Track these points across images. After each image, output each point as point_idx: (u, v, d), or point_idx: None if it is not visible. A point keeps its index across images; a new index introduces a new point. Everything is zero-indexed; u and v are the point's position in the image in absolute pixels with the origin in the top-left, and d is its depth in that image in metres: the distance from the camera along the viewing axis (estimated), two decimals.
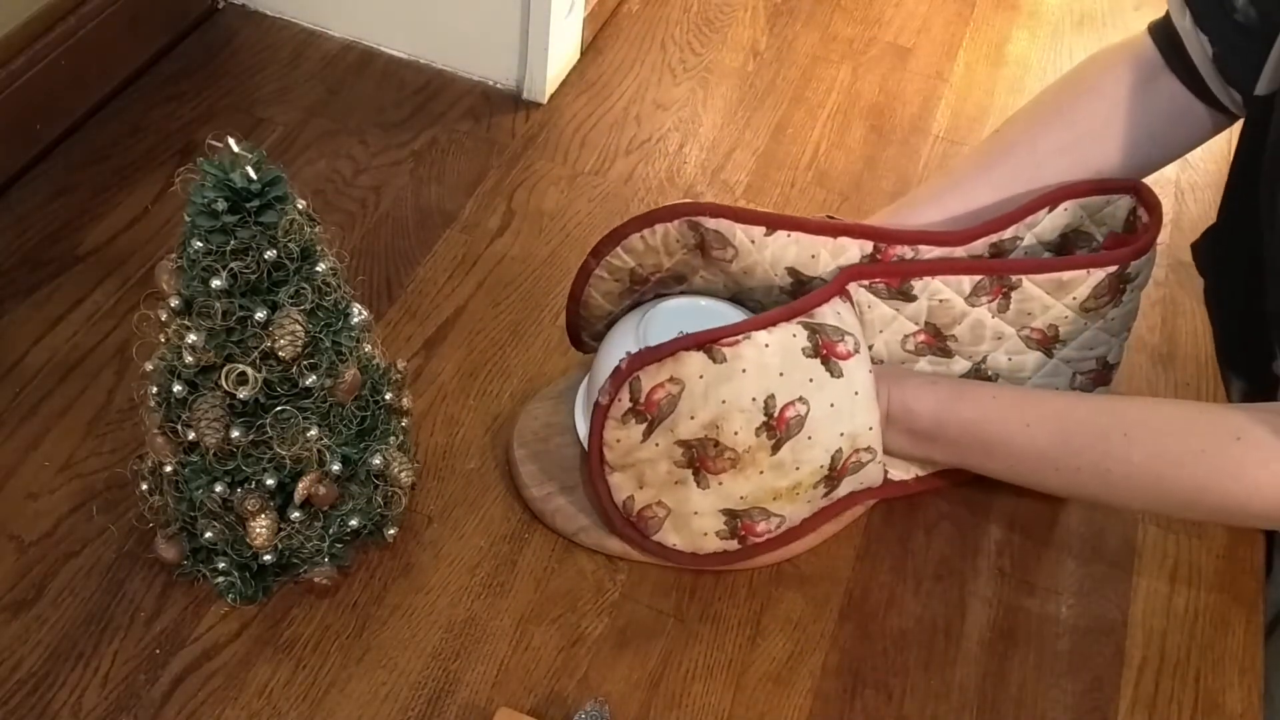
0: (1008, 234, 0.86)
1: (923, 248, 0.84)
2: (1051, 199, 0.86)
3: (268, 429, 0.70)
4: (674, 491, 0.77)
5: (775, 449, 0.75)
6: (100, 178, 1.02)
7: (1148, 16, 0.89)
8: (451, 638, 0.77)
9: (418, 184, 1.06)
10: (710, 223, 0.79)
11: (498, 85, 1.16)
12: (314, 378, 0.69)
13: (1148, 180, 0.87)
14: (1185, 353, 1.01)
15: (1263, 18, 0.78)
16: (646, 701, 0.75)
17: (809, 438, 0.76)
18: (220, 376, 0.68)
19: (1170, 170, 1.16)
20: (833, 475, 0.78)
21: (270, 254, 0.65)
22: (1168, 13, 0.85)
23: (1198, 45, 0.82)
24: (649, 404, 0.74)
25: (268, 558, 0.74)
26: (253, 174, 0.64)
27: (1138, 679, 0.80)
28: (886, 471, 0.83)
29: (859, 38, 1.30)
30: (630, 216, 0.79)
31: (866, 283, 0.81)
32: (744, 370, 0.74)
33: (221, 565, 0.75)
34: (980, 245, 0.85)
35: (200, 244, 0.65)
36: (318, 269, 0.68)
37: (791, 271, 0.82)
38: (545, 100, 1.16)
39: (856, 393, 0.77)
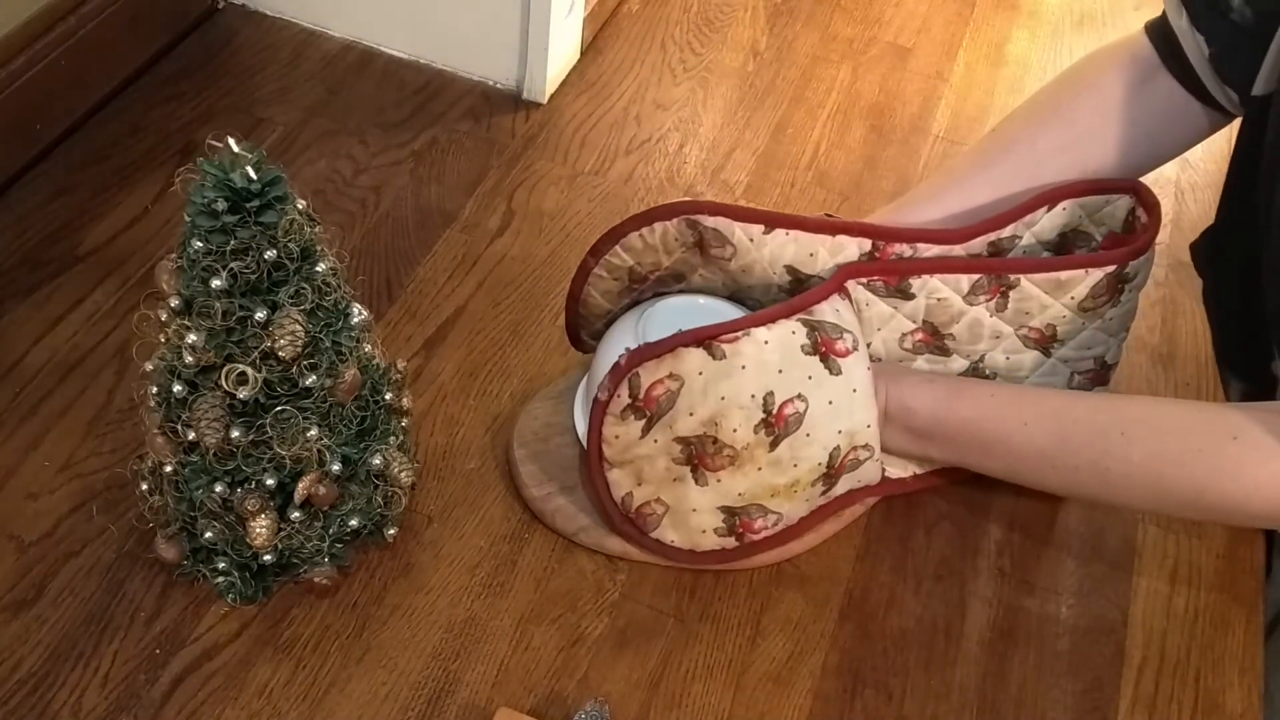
0: (1006, 233, 0.86)
1: (921, 246, 0.84)
2: (1050, 198, 0.86)
3: (268, 429, 0.70)
4: (672, 489, 0.77)
5: (773, 446, 0.75)
6: (100, 178, 1.02)
7: (1147, 16, 0.89)
8: (451, 638, 0.77)
9: (418, 184, 1.06)
10: (709, 221, 0.79)
11: (498, 85, 1.16)
12: (314, 378, 0.69)
13: (1147, 180, 0.87)
14: (1185, 353, 1.01)
15: (1259, 18, 0.78)
16: (646, 701, 0.75)
17: (807, 435, 0.76)
18: (220, 376, 0.68)
19: (1170, 170, 1.16)
20: (830, 473, 0.78)
21: (270, 254, 0.65)
22: (1164, 12, 0.85)
23: (1194, 45, 0.82)
24: (648, 400, 0.74)
25: (268, 558, 0.74)
26: (253, 174, 0.64)
27: (1138, 679, 0.80)
28: (884, 470, 0.83)
29: (859, 38, 1.30)
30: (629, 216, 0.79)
31: (865, 280, 0.81)
32: (743, 367, 0.74)
33: (221, 565, 0.75)
34: (979, 244, 0.85)
35: (200, 244, 0.65)
36: (318, 269, 0.68)
37: (790, 269, 0.82)
38: (545, 100, 1.16)
39: (855, 390, 0.77)
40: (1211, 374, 0.98)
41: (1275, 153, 0.76)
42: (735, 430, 0.74)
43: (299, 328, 0.67)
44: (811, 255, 0.82)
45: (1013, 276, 0.82)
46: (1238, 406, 0.74)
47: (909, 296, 0.82)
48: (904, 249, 0.83)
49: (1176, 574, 0.86)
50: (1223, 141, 0.91)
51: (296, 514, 0.73)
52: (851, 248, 0.82)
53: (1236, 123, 0.86)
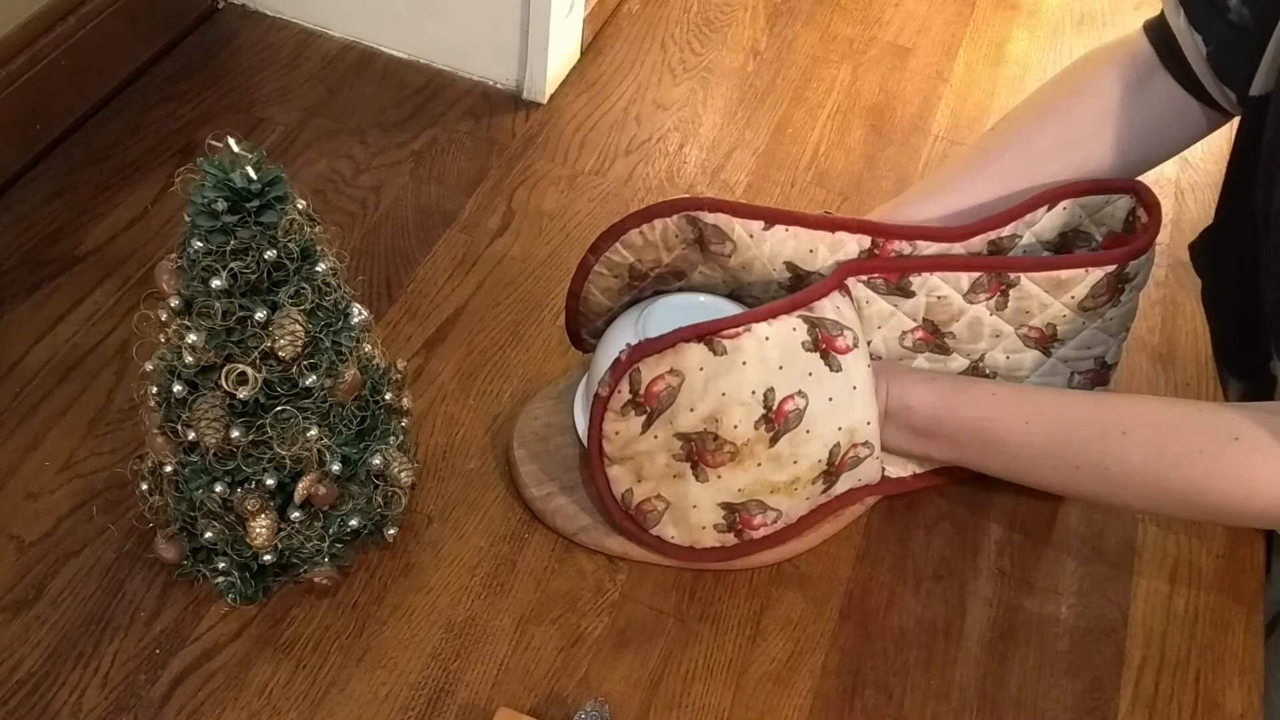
0: (1006, 231, 0.86)
1: (920, 243, 0.84)
2: (1050, 197, 0.86)
3: (268, 429, 0.70)
4: (672, 485, 0.77)
5: (773, 442, 0.75)
6: (100, 178, 1.02)
7: (1147, 16, 0.89)
8: (451, 638, 0.77)
9: (418, 184, 1.06)
10: (709, 217, 0.79)
11: (498, 85, 1.16)
12: (314, 378, 0.69)
13: (1146, 179, 0.87)
14: (1185, 353, 1.01)
15: (1256, 18, 0.78)
16: (646, 701, 0.75)
17: (807, 431, 0.76)
18: (220, 376, 0.68)
19: (1170, 170, 1.16)
20: (831, 470, 0.78)
21: (270, 254, 0.65)
22: (1163, 12, 0.85)
23: (1192, 45, 0.82)
24: (648, 396, 0.74)
25: (268, 558, 0.74)
26: (253, 174, 0.64)
27: (1138, 679, 0.80)
28: (884, 469, 0.83)
29: (859, 38, 1.30)
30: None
31: (865, 278, 0.81)
32: (744, 363, 0.74)
33: (221, 565, 0.75)
34: (978, 242, 0.85)
35: (200, 244, 0.65)
36: (318, 269, 0.68)
37: (790, 266, 0.82)
38: (545, 100, 1.16)
39: (855, 387, 0.77)
40: (1211, 374, 0.98)
41: (1273, 152, 0.76)
42: (736, 426, 0.74)
43: (299, 328, 0.67)
44: (811, 252, 0.82)
45: (1013, 275, 0.82)
46: (1238, 407, 0.74)
47: (909, 294, 0.82)
48: (903, 246, 0.83)
49: (1176, 574, 0.86)
50: (1222, 141, 0.91)
51: (296, 514, 0.73)
52: (851, 244, 0.82)
53: (1235, 122, 0.86)
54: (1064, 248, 0.88)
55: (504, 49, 1.14)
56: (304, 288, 0.67)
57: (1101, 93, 0.87)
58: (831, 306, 0.78)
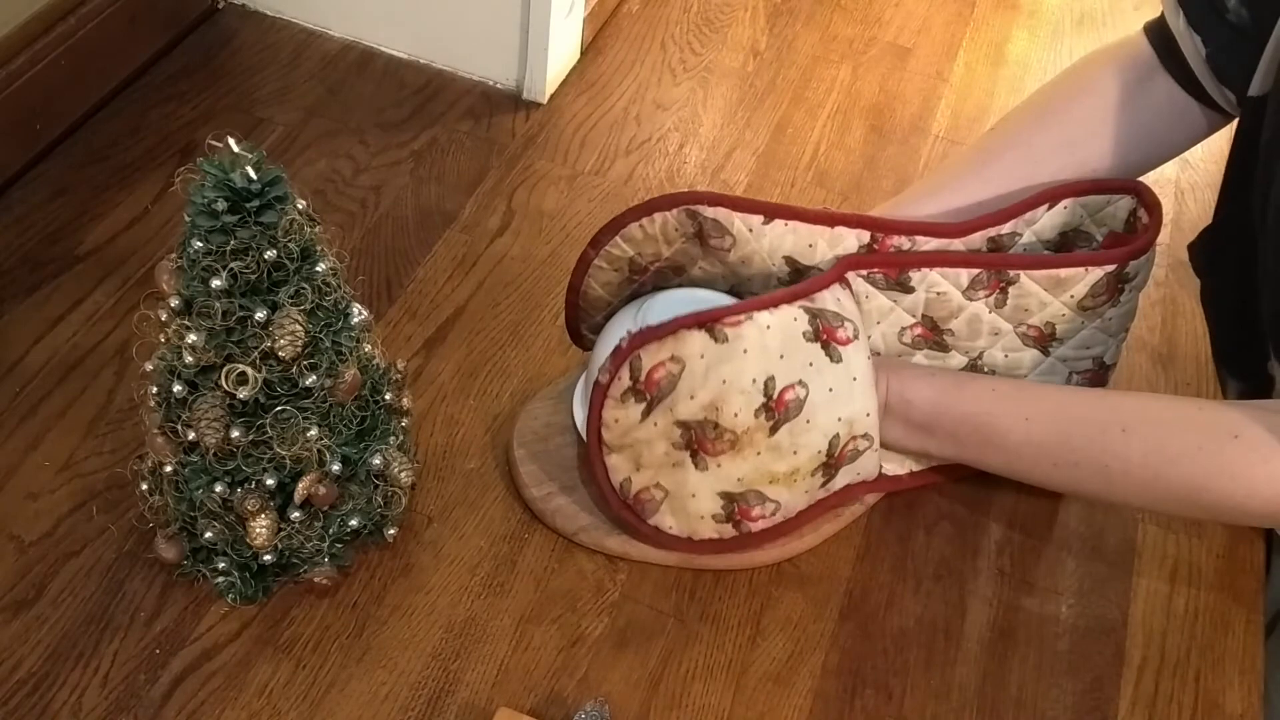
0: (1006, 229, 0.86)
1: (920, 238, 0.84)
2: (1051, 196, 0.86)
3: (268, 429, 0.70)
4: (671, 473, 0.77)
5: (773, 431, 0.75)
6: (100, 178, 1.02)
7: (1147, 16, 0.89)
8: (451, 638, 0.77)
9: (418, 184, 1.06)
10: (708, 211, 0.79)
11: (498, 85, 1.16)
12: (314, 378, 0.69)
13: (1146, 179, 0.87)
14: (1185, 353, 1.01)
15: (1255, 19, 0.78)
16: (646, 701, 0.75)
17: (807, 421, 0.76)
18: (220, 376, 0.68)
19: (1170, 170, 1.16)
20: (830, 463, 0.78)
21: (270, 254, 0.65)
22: (1163, 13, 0.85)
23: (1191, 45, 0.82)
24: (649, 383, 0.74)
25: (268, 558, 0.74)
26: (253, 174, 0.64)
27: (1138, 679, 0.80)
28: (881, 466, 0.83)
29: (859, 38, 1.30)
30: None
31: (865, 273, 0.81)
32: (745, 351, 0.74)
33: (221, 565, 0.75)
34: (978, 239, 0.85)
35: (200, 244, 0.65)
36: (318, 269, 0.68)
37: (789, 260, 0.82)
38: (545, 100, 1.16)
39: (855, 379, 0.77)
40: (1211, 374, 0.98)
41: (1271, 153, 0.76)
42: (736, 414, 0.74)
43: (299, 328, 0.67)
44: (810, 246, 0.82)
45: (1012, 272, 0.82)
46: (1238, 405, 0.74)
47: (909, 290, 0.82)
48: (902, 241, 0.83)
49: (1176, 574, 0.86)
50: (1223, 141, 0.91)
51: (296, 514, 0.73)
52: (850, 239, 0.82)
53: (1235, 123, 0.86)
54: (1064, 247, 0.88)
55: (504, 49, 1.14)
56: (304, 288, 0.67)
57: (1102, 93, 0.87)
58: (832, 298, 0.78)
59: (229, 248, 0.64)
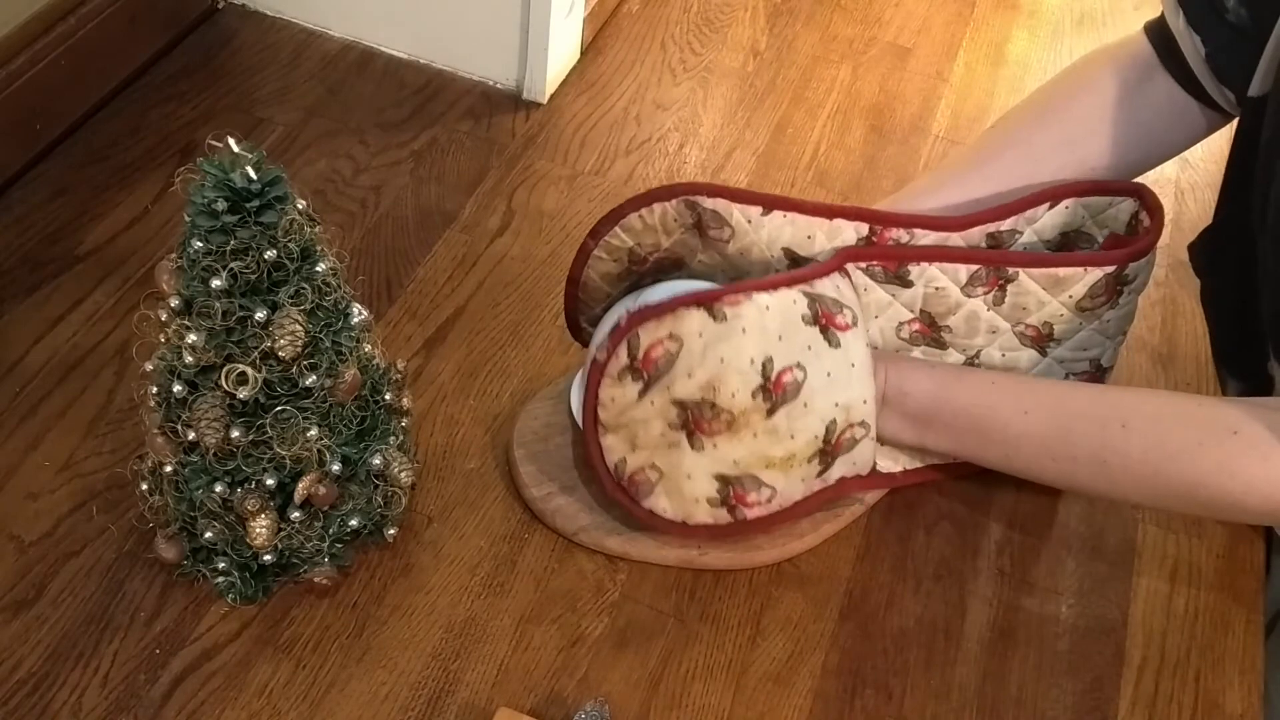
0: (1006, 225, 0.86)
1: (918, 231, 0.84)
2: (1052, 195, 0.86)
3: (268, 429, 0.70)
4: (667, 454, 0.76)
5: (770, 413, 0.75)
6: (100, 178, 1.02)
7: (1147, 16, 0.89)
8: (451, 638, 0.77)
9: (418, 184, 1.06)
10: (707, 202, 0.79)
11: (498, 85, 1.16)
12: (314, 378, 0.69)
13: (1146, 179, 0.87)
14: (1185, 353, 1.01)
15: (1254, 19, 0.78)
16: (646, 701, 0.75)
17: (804, 405, 0.76)
18: (220, 376, 0.68)
19: (1170, 170, 1.16)
20: (827, 450, 0.78)
21: (270, 254, 0.65)
22: (1163, 13, 0.85)
23: (1191, 45, 0.82)
24: (646, 361, 0.74)
25: (268, 558, 0.74)
26: (253, 174, 0.64)
27: (1138, 679, 0.80)
28: (875, 462, 0.83)
29: (859, 38, 1.30)
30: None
31: (864, 265, 0.81)
32: (744, 330, 0.74)
33: (221, 565, 0.75)
34: (977, 233, 0.85)
35: (200, 244, 0.65)
36: (318, 269, 0.68)
37: (788, 252, 0.82)
38: (545, 100, 1.16)
39: (853, 365, 0.77)
40: (1211, 374, 0.98)
41: (1271, 152, 0.76)
42: (733, 395, 0.74)
43: (299, 328, 0.67)
44: (809, 238, 0.82)
45: (1011, 270, 0.82)
46: (1239, 402, 0.74)
47: (907, 284, 0.82)
48: (901, 234, 0.83)
49: (1176, 574, 0.86)
50: (1223, 141, 0.91)
51: (296, 514, 0.73)
52: (849, 231, 0.83)
53: (1235, 123, 0.86)
54: (1065, 248, 0.88)
55: (504, 49, 1.14)
56: (304, 288, 0.67)
57: (1101, 92, 0.87)
58: (832, 286, 0.78)
59: (229, 248, 0.64)
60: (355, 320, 0.72)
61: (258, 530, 0.72)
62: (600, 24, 1.25)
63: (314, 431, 0.71)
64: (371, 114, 1.12)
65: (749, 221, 0.80)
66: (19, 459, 0.82)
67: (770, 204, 0.81)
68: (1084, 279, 0.82)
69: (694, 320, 0.73)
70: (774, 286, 0.75)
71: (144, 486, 0.75)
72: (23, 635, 0.74)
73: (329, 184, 1.05)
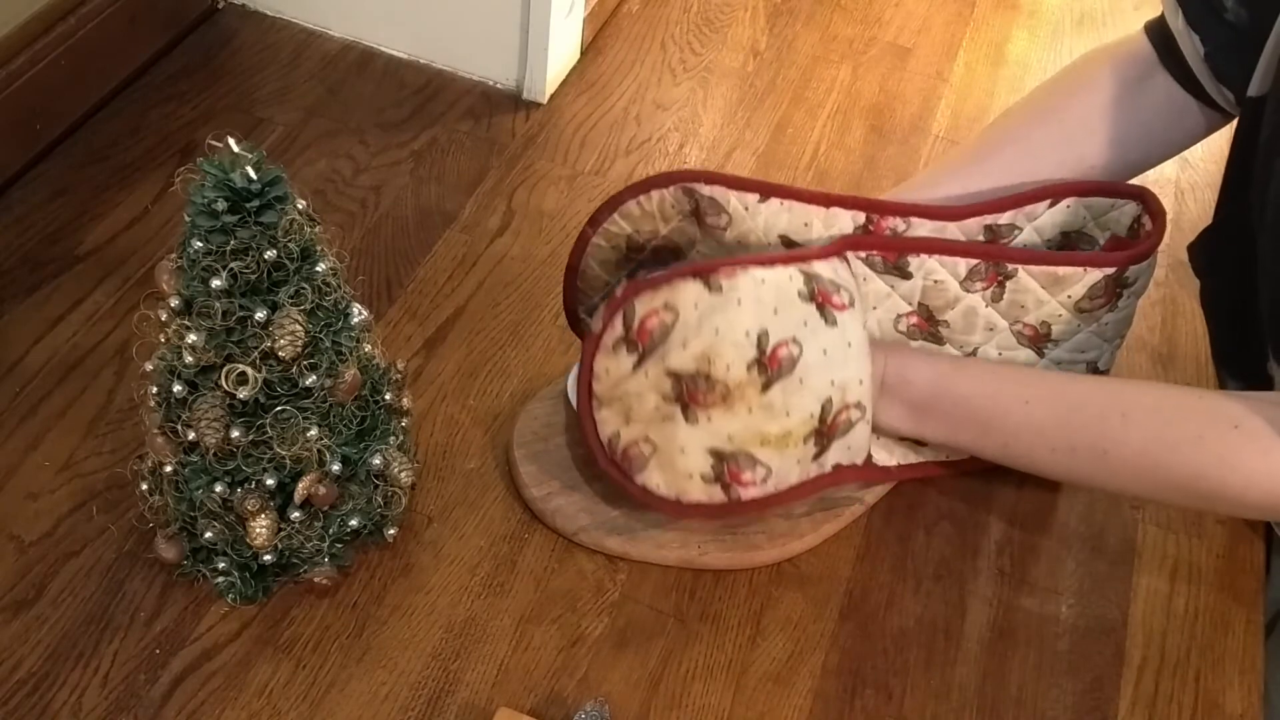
0: (1004, 218, 0.86)
1: (915, 220, 0.84)
2: (1053, 193, 0.86)
3: (268, 429, 0.70)
4: (661, 428, 0.76)
5: (766, 388, 0.75)
6: (100, 178, 1.02)
7: (1147, 16, 0.89)
8: (451, 638, 0.77)
9: (418, 184, 1.06)
10: (705, 189, 0.79)
11: (498, 85, 1.16)
12: (314, 378, 0.69)
13: (1146, 179, 0.87)
14: (1185, 353, 1.01)
15: (1253, 19, 0.78)
16: (646, 701, 0.75)
17: (800, 381, 0.75)
18: (220, 376, 0.68)
19: (1170, 170, 1.16)
20: (822, 430, 0.77)
21: (270, 254, 0.65)
22: (1162, 12, 0.86)
23: (1190, 45, 0.82)
24: (641, 332, 0.74)
25: (268, 558, 0.74)
26: (253, 174, 0.64)
27: (1138, 679, 0.80)
28: (870, 455, 0.83)
29: (859, 38, 1.30)
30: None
31: (863, 255, 0.81)
32: (739, 301, 0.74)
33: (221, 565, 0.75)
34: (975, 225, 0.85)
35: (200, 244, 0.65)
36: (318, 269, 0.68)
37: (784, 240, 0.82)
38: (545, 100, 1.16)
39: (850, 344, 0.77)
40: (1211, 374, 0.98)
41: (1270, 152, 0.76)
42: (728, 367, 0.74)
43: (299, 328, 0.67)
44: (806, 225, 0.82)
45: (1010, 266, 0.82)
46: (1240, 396, 0.74)
47: (906, 275, 0.82)
48: (898, 224, 0.83)
49: (1176, 574, 0.86)
50: (1223, 141, 0.91)
51: (296, 514, 0.73)
52: (845, 220, 0.83)
53: (1234, 123, 0.86)
54: (1066, 248, 0.88)
55: (504, 49, 1.14)
56: (304, 288, 0.67)
57: (1101, 90, 0.87)
58: (830, 269, 0.78)
59: (229, 248, 0.64)
60: (355, 320, 0.72)
61: (258, 530, 0.72)
62: (600, 24, 1.25)
63: (314, 431, 0.71)
64: (371, 114, 1.12)
65: (746, 208, 0.81)
66: (19, 459, 0.82)
67: (767, 191, 0.81)
68: (1083, 279, 0.82)
69: (690, 291, 0.73)
70: (771, 263, 0.75)
71: (144, 486, 0.75)
72: (23, 635, 0.74)
73: (329, 184, 1.05)
